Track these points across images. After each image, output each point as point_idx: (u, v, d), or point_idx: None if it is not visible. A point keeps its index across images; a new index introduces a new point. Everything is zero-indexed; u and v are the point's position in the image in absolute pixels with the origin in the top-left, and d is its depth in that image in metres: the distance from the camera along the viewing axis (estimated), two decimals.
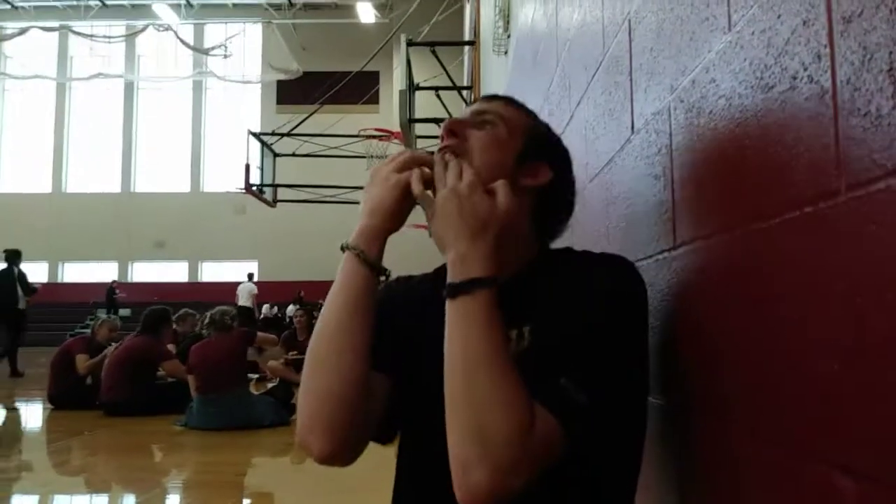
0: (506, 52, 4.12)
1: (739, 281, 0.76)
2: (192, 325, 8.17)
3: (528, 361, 0.84)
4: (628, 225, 1.24)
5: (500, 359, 0.78)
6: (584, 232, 1.60)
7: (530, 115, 1.07)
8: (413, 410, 0.99)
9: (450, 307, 0.82)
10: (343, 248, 0.96)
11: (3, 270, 9.99)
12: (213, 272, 24.30)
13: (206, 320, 5.20)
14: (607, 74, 1.38)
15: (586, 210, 1.61)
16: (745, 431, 0.74)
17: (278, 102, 23.68)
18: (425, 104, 9.86)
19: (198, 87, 25.23)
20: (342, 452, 0.90)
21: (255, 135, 12.52)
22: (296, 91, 21.38)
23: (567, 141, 1.87)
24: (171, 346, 6.51)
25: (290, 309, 18.30)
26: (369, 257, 0.94)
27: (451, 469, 0.76)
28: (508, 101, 1.06)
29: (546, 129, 1.08)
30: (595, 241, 1.50)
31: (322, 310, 0.94)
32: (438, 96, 9.39)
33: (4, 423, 6.05)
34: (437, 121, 9.52)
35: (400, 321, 1.01)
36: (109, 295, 19.79)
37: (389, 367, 0.98)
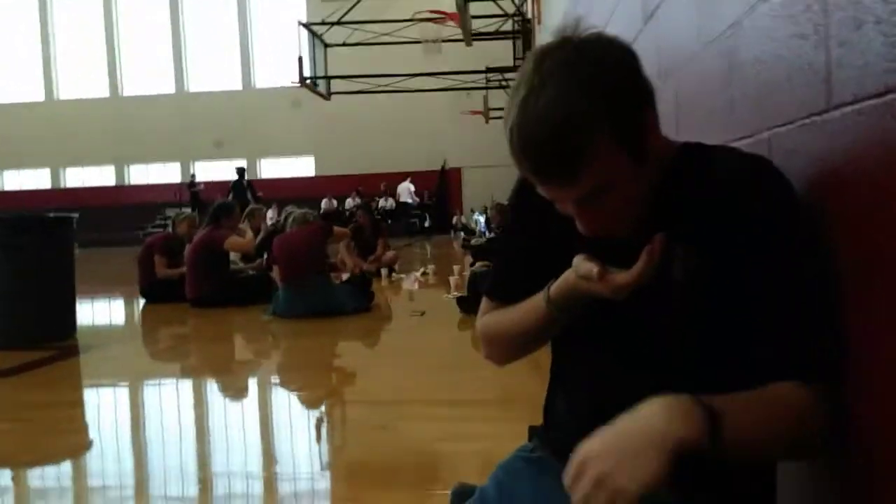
0: None
1: None
2: (262, 218, 8.44)
3: (699, 279, 0.89)
4: (761, 90, 1.19)
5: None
6: (700, 103, 1.55)
7: (594, 122, 0.82)
8: (583, 326, 1.02)
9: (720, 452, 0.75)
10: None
11: (236, 182, 14.70)
12: (272, 168, 24.68)
13: (290, 217, 5.56)
14: None
15: (699, 80, 1.55)
16: None
17: None
18: None
19: None
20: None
21: (305, 25, 12.26)
22: None
23: (669, 8, 1.79)
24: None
25: (349, 202, 18.64)
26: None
27: None
28: (576, 162, 0.82)
29: (610, 99, 0.83)
30: (712, 112, 1.45)
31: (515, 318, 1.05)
32: None
33: (99, 318, 6.47)
34: None
35: (553, 234, 1.00)
36: (192, 191, 20.08)
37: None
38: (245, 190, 15.00)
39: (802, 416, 0.83)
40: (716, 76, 1.43)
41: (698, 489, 0.82)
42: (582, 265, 0.91)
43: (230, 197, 13.03)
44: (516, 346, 1.10)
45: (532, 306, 1.01)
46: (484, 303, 1.14)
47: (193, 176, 21.88)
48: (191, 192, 20.08)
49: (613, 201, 0.88)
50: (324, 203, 19.69)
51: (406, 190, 21.10)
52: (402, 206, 20.98)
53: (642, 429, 0.73)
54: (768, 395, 0.83)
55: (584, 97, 0.81)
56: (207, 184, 21.79)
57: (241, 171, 16.16)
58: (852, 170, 0.89)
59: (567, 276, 0.95)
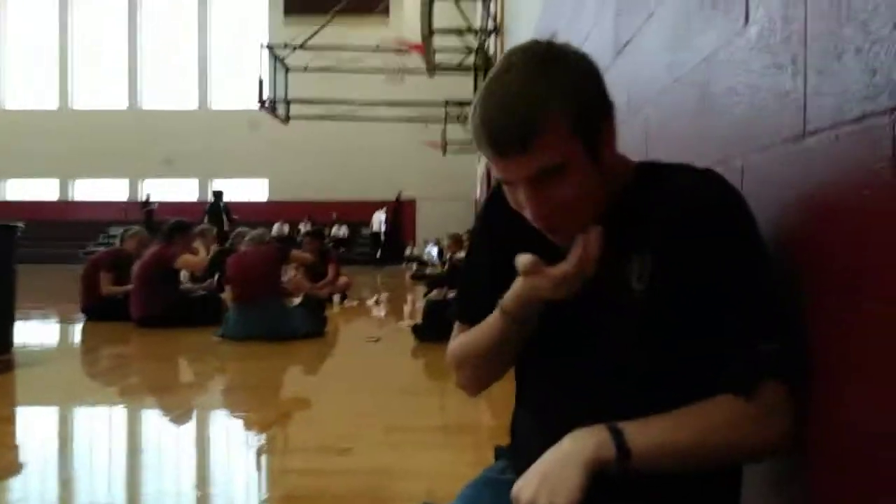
0: None
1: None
2: (213, 240, 8.30)
3: (657, 291, 0.91)
4: (733, 120, 1.23)
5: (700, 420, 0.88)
6: (667, 133, 1.60)
7: (549, 102, 0.86)
8: (540, 341, 1.04)
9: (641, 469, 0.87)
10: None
11: (213, 204, 15.52)
12: (223, 189, 24.27)
13: (241, 237, 5.48)
14: None
15: (669, 110, 1.60)
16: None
17: (286, 13, 23.02)
18: (441, 14, 9.59)
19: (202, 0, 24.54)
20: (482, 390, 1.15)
21: (268, 48, 12.23)
22: (304, 1, 20.77)
23: (642, 41, 1.85)
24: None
25: (301, 227, 18.45)
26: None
27: None
28: (529, 134, 0.85)
29: (571, 91, 0.88)
30: (682, 141, 1.49)
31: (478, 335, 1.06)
32: (458, 6, 9.14)
33: (37, 335, 6.21)
34: (458, 31, 9.30)
35: (513, 247, 0.99)
36: (146, 210, 19.63)
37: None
38: (221, 213, 15.23)
39: (743, 425, 0.86)
40: (687, 107, 1.48)
41: (628, 498, 0.87)
42: (520, 259, 0.93)
43: (205, 220, 13.23)
44: (482, 367, 1.09)
45: (491, 322, 1.02)
46: (455, 329, 1.15)
47: (149, 196, 21.42)
48: (144, 211, 19.66)
49: (564, 189, 0.89)
50: (275, 228, 19.44)
51: (378, 220, 21.02)
52: (375, 235, 20.93)
53: (558, 455, 0.85)
54: (703, 409, 0.88)
55: (544, 78, 0.87)
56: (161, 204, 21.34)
57: (217, 194, 16.52)
58: (829, 194, 0.93)
59: (516, 284, 0.98)
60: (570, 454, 0.84)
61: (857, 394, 0.84)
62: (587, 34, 2.65)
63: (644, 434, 0.85)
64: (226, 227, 12.79)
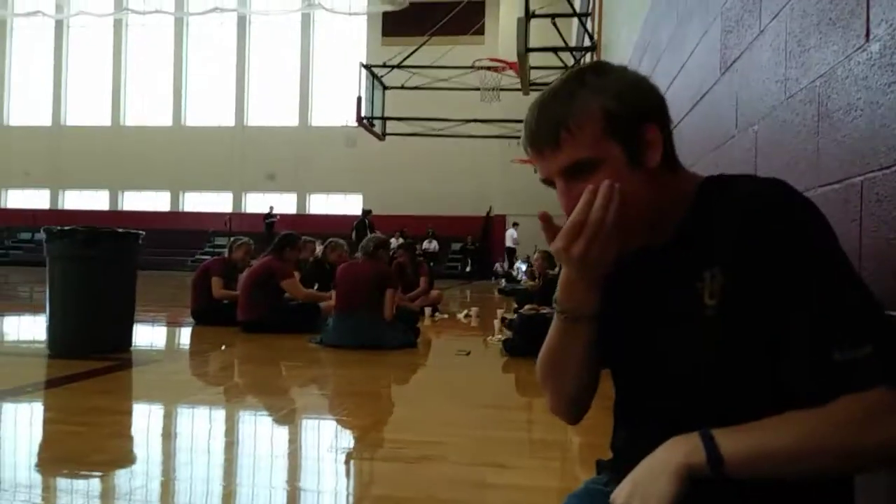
0: None
1: None
2: (311, 251, 8.62)
3: (731, 305, 0.89)
4: (853, 138, 1.21)
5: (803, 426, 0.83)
6: (782, 152, 1.57)
7: (585, 104, 0.92)
8: (622, 360, 1.08)
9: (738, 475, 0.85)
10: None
11: (360, 221, 17.48)
12: (321, 204, 25.16)
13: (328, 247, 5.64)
14: None
15: (784, 128, 1.58)
16: None
17: (384, 35, 23.72)
18: (536, 33, 9.61)
19: (306, 22, 25.63)
20: (580, 415, 1.13)
21: (366, 67, 12.64)
22: (401, 23, 21.35)
23: (753, 57, 1.82)
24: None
25: (393, 242, 18.83)
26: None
27: None
28: (561, 129, 0.92)
29: (609, 96, 0.93)
30: (795, 159, 1.47)
31: (546, 343, 1.08)
32: (555, 24, 9.14)
33: (150, 336, 6.64)
34: (554, 49, 9.32)
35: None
36: (267, 222, 20.65)
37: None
38: (366, 229, 16.53)
39: (848, 429, 0.81)
40: (801, 124, 1.45)
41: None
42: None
43: (353, 236, 14.74)
44: (556, 379, 1.09)
45: (552, 324, 1.06)
46: None
47: (272, 208, 22.50)
48: (266, 223, 20.64)
49: (623, 205, 0.90)
50: (393, 242, 20.12)
51: (511, 237, 21.02)
52: (509, 250, 20.96)
53: (652, 463, 0.86)
54: (802, 414, 0.83)
55: (579, 83, 0.94)
56: (254, 215, 22.35)
57: (366, 212, 18.50)
58: None
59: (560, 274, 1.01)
60: (662, 461, 0.85)
61: None
62: (691, 51, 2.62)
63: (737, 439, 0.83)
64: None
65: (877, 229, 1.11)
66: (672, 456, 0.84)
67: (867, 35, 1.16)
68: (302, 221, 22.52)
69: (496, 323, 6.12)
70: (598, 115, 0.91)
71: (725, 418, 0.87)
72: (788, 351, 0.87)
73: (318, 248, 9.03)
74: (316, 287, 6.68)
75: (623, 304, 1.04)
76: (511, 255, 20.82)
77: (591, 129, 0.91)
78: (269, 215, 21.56)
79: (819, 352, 0.84)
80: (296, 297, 6.29)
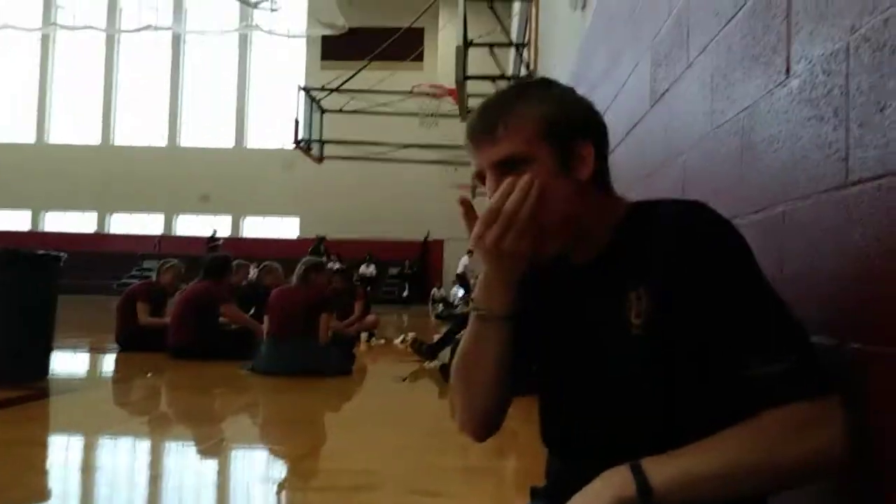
0: (583, 7, 4.07)
1: None
2: (245, 275, 8.42)
3: (656, 324, 0.91)
4: (775, 169, 1.26)
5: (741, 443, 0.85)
6: (709, 180, 1.63)
7: (526, 109, 0.98)
8: (547, 369, 1.09)
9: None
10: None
11: (315, 246, 17.38)
12: (255, 226, 24.71)
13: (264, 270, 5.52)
14: (752, 19, 1.39)
15: (711, 159, 1.63)
16: None
17: (323, 58, 23.68)
18: (474, 61, 9.77)
19: (243, 42, 25.35)
20: (488, 434, 1.13)
21: (304, 90, 12.57)
22: (341, 47, 21.34)
23: (682, 89, 1.89)
24: None
25: (328, 266, 18.62)
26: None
27: None
28: (499, 123, 0.97)
29: (550, 107, 0.99)
30: (721, 188, 1.52)
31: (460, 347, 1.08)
32: (492, 53, 9.31)
33: (70, 364, 6.33)
34: (491, 78, 9.48)
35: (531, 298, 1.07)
36: (211, 246, 19.69)
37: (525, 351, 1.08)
38: (321, 254, 16.51)
39: (771, 446, 0.82)
40: (726, 155, 1.51)
41: None
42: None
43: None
44: (468, 384, 1.07)
45: (468, 327, 1.06)
46: None
47: (215, 231, 21.81)
48: (209, 247, 19.73)
49: (546, 202, 0.95)
50: (362, 268, 20.11)
51: (463, 263, 20.86)
52: (460, 276, 20.92)
53: (584, 498, 0.86)
54: (728, 435, 0.85)
55: (521, 90, 1.02)
56: (186, 238, 21.73)
57: (320, 238, 18.44)
58: (869, 242, 0.94)
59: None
60: (594, 495, 0.85)
61: None
62: (623, 82, 2.70)
63: (666, 468, 0.84)
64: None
65: (797, 256, 1.15)
66: (603, 490, 0.85)
67: (787, 71, 1.21)
68: (237, 244, 22.01)
69: (401, 345, 6.22)
70: (536, 119, 0.97)
71: (655, 439, 0.88)
72: (710, 368, 0.88)
73: (253, 272, 8.85)
74: (252, 311, 6.51)
75: (549, 321, 1.06)
76: (462, 281, 20.94)
77: (527, 129, 0.96)
78: (213, 239, 20.84)
79: (738, 368, 0.85)
80: (235, 322, 6.12)
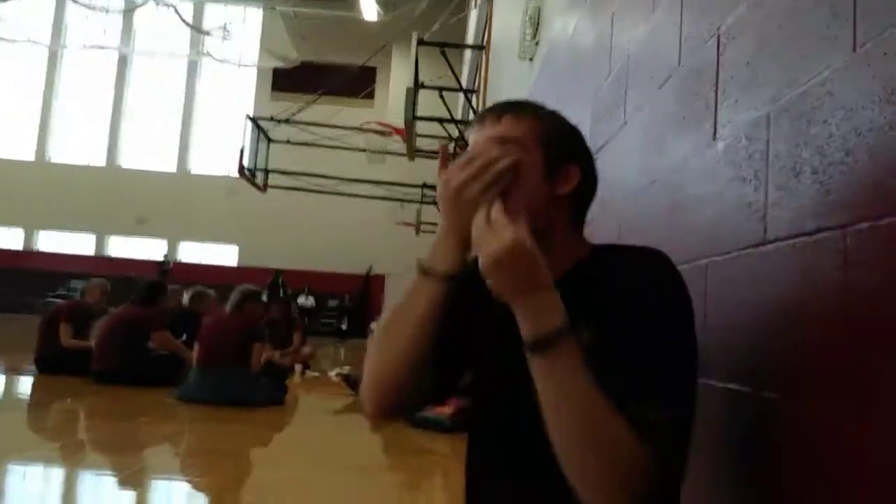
0: (531, 59, 4.21)
1: (855, 274, 0.84)
2: (177, 301, 8.16)
3: (592, 358, 0.92)
4: (700, 224, 1.33)
5: (601, 395, 0.86)
6: (642, 232, 1.69)
7: (544, 116, 1.08)
8: (477, 393, 1.11)
9: (539, 363, 0.87)
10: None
11: (273, 281, 16.99)
12: (192, 252, 24.09)
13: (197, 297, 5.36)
14: (683, 85, 1.47)
15: (644, 212, 1.70)
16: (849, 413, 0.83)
17: (273, 90, 23.54)
18: (424, 103, 9.91)
19: (192, 68, 25.00)
20: (388, 414, 1.08)
21: (253, 120, 12.46)
22: (291, 80, 21.29)
23: (619, 145, 1.97)
24: None
25: (265, 296, 18.22)
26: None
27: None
28: (516, 111, 1.06)
29: (557, 124, 1.09)
30: (656, 238, 1.58)
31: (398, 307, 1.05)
32: (442, 97, 9.47)
33: None
34: (440, 120, 9.62)
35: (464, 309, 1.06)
36: (161, 271, 18.79)
37: (450, 356, 1.08)
38: (280, 290, 16.51)
39: (618, 440, 0.84)
40: (658, 210, 1.58)
41: None
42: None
43: (264, 296, 13.76)
44: (388, 341, 1.04)
45: (405, 284, 1.06)
46: None
47: (165, 255, 21.00)
48: (160, 272, 18.79)
49: (517, 188, 1.00)
50: (301, 299, 19.75)
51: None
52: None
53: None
54: (606, 404, 0.86)
55: (541, 105, 1.11)
56: (123, 261, 20.98)
57: (278, 271, 18.21)
58: (785, 296, 1.00)
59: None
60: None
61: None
62: None
63: (571, 356, 0.87)
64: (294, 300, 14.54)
65: (719, 307, 1.21)
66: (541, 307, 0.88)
67: (714, 135, 1.29)
68: (173, 269, 21.32)
69: (334, 378, 6.18)
70: (539, 126, 1.05)
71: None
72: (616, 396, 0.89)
73: (186, 298, 8.60)
74: (184, 338, 6.30)
75: (490, 334, 1.07)
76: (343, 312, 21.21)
77: (529, 128, 1.04)
78: (163, 263, 20.08)
79: (630, 404, 0.87)
80: (165, 349, 5.90)
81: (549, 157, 1.03)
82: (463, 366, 1.12)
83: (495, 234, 0.87)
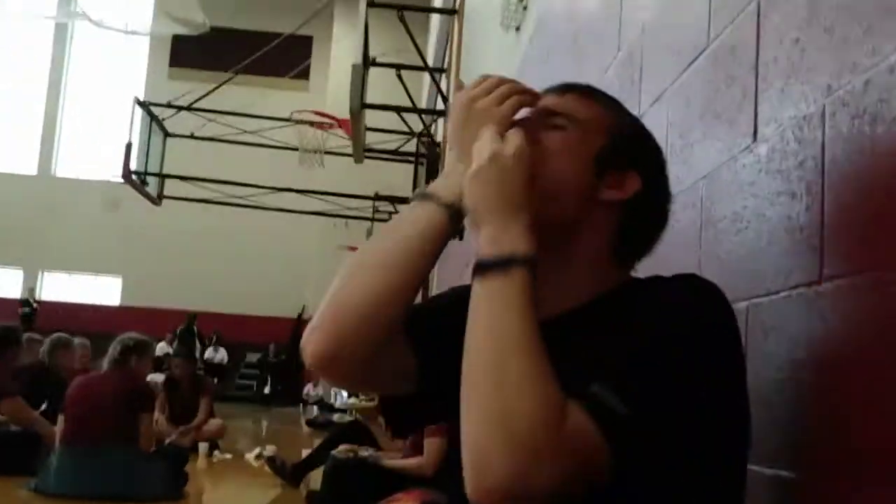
0: (517, 28, 4.28)
1: None
2: (36, 354, 8.03)
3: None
4: (738, 253, 1.35)
5: (533, 344, 0.92)
6: (661, 261, 1.71)
7: (615, 109, 1.20)
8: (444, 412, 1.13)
9: (480, 286, 0.97)
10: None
11: (186, 328, 18.25)
12: (59, 287, 23.81)
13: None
14: (713, 67, 1.50)
15: (664, 235, 1.72)
16: None
17: (171, 65, 23.56)
18: (377, 86, 9.94)
19: (60, 33, 24.88)
20: (339, 358, 1.10)
21: (142, 104, 12.39)
22: (197, 52, 21.34)
23: None
24: None
25: (162, 346, 17.93)
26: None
27: (464, 457, 0.89)
28: (586, 93, 1.19)
29: (634, 126, 1.21)
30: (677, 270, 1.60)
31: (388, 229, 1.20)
32: (400, 77, 9.50)
33: None
34: (397, 109, 9.66)
35: (442, 323, 1.14)
36: (25, 312, 19.02)
37: (421, 351, 1.16)
38: (194, 338, 17.51)
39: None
40: (683, 229, 1.60)
41: None
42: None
43: (173, 348, 14.59)
44: (360, 267, 1.12)
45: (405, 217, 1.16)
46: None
47: (31, 290, 20.92)
48: (22, 314, 18.65)
49: (550, 139, 1.10)
50: (209, 352, 19.57)
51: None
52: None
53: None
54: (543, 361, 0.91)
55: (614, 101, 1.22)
56: None
57: (192, 316, 18.67)
58: (845, 352, 1.02)
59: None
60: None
61: None
62: None
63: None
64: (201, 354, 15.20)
65: (763, 366, 1.22)
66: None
67: (755, 134, 1.31)
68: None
69: (253, 462, 6.19)
70: (603, 113, 1.15)
71: None
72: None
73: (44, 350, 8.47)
74: (44, 408, 6.19)
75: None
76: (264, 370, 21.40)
77: (591, 110, 1.14)
78: (27, 303, 19.92)
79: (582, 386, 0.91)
80: (16, 423, 5.81)
81: (605, 149, 1.11)
82: (430, 367, 1.16)
83: (482, 145, 1.02)
